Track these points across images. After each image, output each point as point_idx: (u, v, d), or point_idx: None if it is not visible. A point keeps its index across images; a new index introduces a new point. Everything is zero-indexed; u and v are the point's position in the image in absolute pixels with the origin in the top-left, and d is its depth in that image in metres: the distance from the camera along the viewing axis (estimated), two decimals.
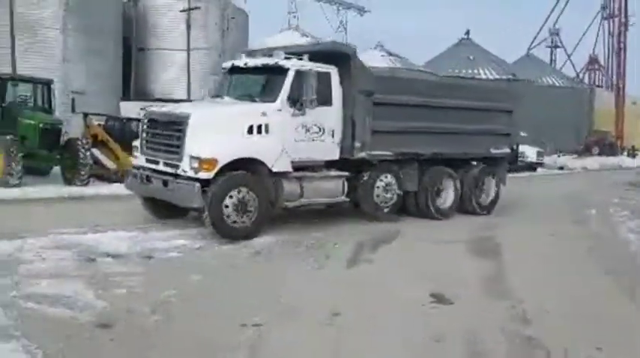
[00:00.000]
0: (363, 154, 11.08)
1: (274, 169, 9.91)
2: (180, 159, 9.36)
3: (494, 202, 13.59)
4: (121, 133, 16.18)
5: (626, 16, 53.01)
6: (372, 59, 31.87)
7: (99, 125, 16.67)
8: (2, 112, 15.00)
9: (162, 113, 10.27)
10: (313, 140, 10.47)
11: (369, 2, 49.41)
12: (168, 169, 9.61)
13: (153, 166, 9.96)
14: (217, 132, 9.51)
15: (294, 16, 45.68)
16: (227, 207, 9.30)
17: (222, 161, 9.26)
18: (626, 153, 45.69)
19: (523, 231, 11.56)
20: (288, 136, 10.09)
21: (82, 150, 14.95)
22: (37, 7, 21.41)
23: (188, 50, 25.44)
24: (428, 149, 12.07)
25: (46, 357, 4.80)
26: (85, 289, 6.51)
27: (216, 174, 9.22)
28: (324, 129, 10.59)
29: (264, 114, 9.94)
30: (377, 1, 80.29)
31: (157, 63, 26.69)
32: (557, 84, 49.51)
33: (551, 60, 61.30)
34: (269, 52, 11.18)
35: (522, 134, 26.41)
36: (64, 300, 6.10)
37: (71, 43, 22.06)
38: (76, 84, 20.98)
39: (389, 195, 11.62)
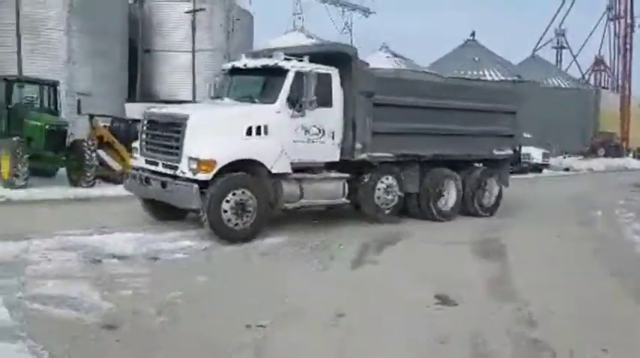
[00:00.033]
0: (363, 156, 11.03)
1: (273, 170, 9.86)
2: (178, 161, 9.33)
3: (496, 204, 13.51)
4: (127, 135, 16.19)
5: (632, 18, 53.00)
6: (378, 61, 31.91)
7: (104, 126, 16.74)
8: (8, 114, 15.08)
9: (162, 114, 10.23)
10: (313, 141, 10.43)
11: (374, 3, 49.57)
12: (167, 171, 9.58)
13: (152, 167, 9.93)
14: (216, 134, 9.48)
15: (299, 18, 45.66)
16: (226, 208, 9.26)
17: (221, 162, 9.22)
18: (631, 154, 45.53)
19: (528, 233, 11.53)
20: (287, 138, 10.05)
21: (88, 152, 15.00)
22: (42, 7, 21.48)
23: (193, 52, 25.47)
24: (429, 150, 12.00)
25: None
26: (91, 290, 6.53)
27: (215, 176, 9.18)
28: (324, 131, 10.55)
29: (263, 115, 9.93)
30: (382, 2, 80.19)
31: (163, 64, 26.76)
32: (563, 85, 49.45)
33: (557, 61, 61.24)
34: (269, 53, 11.15)
35: (528, 135, 26.37)
36: (70, 301, 6.11)
37: (76, 44, 22.10)
38: (82, 85, 21.02)
39: (390, 197, 11.57)
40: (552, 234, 11.36)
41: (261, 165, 9.75)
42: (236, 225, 9.36)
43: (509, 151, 13.90)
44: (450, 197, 12.57)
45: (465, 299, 6.84)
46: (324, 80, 10.49)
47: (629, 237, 11.45)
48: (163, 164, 9.68)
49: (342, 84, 10.76)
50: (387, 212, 11.58)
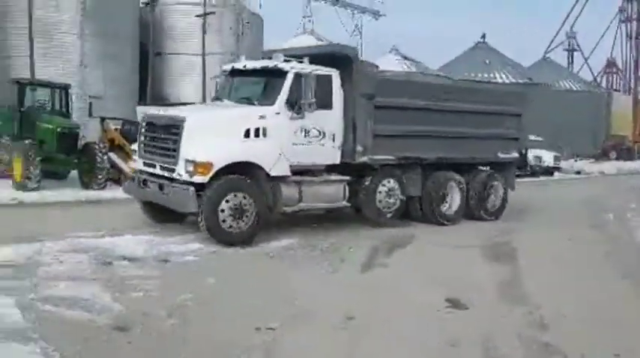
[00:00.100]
0: (364, 158, 10.91)
1: (272, 173, 9.76)
2: (175, 163, 9.26)
3: (502, 208, 13.29)
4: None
5: None
6: (388, 63, 31.88)
7: (116, 129, 16.83)
8: (21, 117, 15.22)
9: (159, 116, 10.18)
10: (313, 144, 10.32)
11: (384, 6, 49.08)
12: (165, 173, 9.52)
13: (150, 170, 9.88)
14: (213, 136, 9.37)
15: (309, 20, 45.74)
16: (223, 211, 9.15)
17: (218, 165, 9.13)
18: None
19: (540, 236, 11.45)
20: (286, 140, 9.95)
21: (100, 154, 15.09)
22: (55, 11, 21.65)
23: (203, 55, 25.56)
24: (432, 153, 11.86)
25: None
26: (102, 292, 6.56)
27: (212, 179, 9.10)
28: (324, 133, 10.45)
29: (262, 117, 9.82)
30: (392, 4, 79.79)
31: (173, 67, 26.93)
32: (575, 88, 49.15)
33: (568, 63, 60.88)
34: (269, 55, 11.08)
35: (539, 138, 26.25)
36: (82, 303, 6.15)
37: (88, 47, 22.30)
38: (94, 88, 21.18)
39: (392, 201, 11.42)
40: (564, 237, 11.30)
41: (260, 167, 9.65)
42: (232, 227, 9.24)
43: (515, 154, 13.73)
44: (454, 200, 12.39)
45: (476, 303, 6.81)
46: (325, 82, 10.38)
47: None
48: (161, 166, 9.62)
49: (342, 85, 10.64)
50: (388, 216, 11.43)
